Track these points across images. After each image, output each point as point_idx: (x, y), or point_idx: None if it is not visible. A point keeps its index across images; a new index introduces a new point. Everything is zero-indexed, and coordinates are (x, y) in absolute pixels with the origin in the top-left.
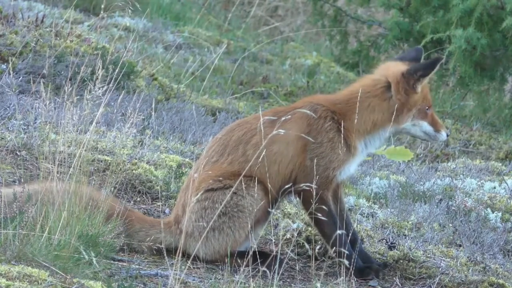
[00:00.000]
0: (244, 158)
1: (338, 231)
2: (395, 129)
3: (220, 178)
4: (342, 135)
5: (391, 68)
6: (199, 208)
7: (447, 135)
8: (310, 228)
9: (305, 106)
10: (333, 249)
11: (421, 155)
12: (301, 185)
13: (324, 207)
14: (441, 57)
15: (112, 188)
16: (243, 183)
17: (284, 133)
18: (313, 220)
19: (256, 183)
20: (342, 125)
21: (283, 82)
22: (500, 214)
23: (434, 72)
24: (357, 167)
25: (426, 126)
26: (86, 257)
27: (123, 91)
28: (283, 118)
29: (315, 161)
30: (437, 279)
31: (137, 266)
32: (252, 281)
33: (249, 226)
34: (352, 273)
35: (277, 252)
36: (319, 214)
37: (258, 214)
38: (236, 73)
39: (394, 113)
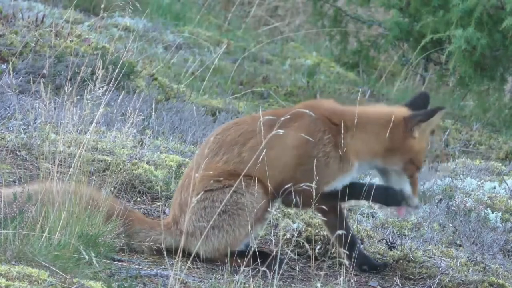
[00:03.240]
0: (239, 159)
1: (338, 231)
2: (382, 166)
3: (219, 178)
4: (338, 151)
5: (398, 109)
6: (198, 208)
7: (416, 207)
8: (310, 228)
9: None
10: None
11: None
12: (302, 185)
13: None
14: (443, 107)
15: (112, 188)
16: (243, 182)
17: (280, 140)
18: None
19: (256, 182)
20: (342, 140)
21: (283, 82)
22: (500, 214)
23: (435, 121)
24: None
25: (407, 184)
26: (86, 257)
27: (123, 91)
28: (281, 119)
29: (306, 172)
30: (437, 279)
31: (137, 266)
32: (252, 281)
33: (249, 224)
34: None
35: (277, 252)
36: (319, 214)
37: (258, 213)
38: (236, 73)
39: (388, 151)
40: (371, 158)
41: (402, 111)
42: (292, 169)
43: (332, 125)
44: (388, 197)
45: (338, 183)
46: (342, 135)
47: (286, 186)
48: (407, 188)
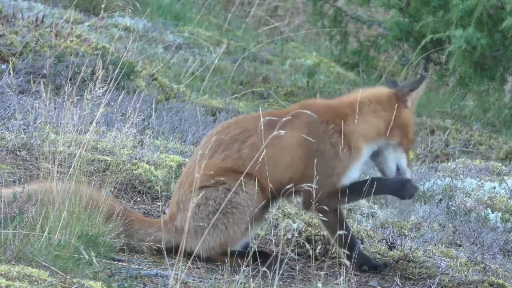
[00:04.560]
0: (238, 156)
1: (339, 232)
2: (384, 144)
3: (215, 176)
4: (344, 139)
5: (381, 88)
6: (193, 205)
7: (410, 179)
8: (310, 228)
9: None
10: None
11: (421, 155)
12: (303, 185)
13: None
14: (427, 76)
15: (112, 188)
16: (243, 182)
17: (283, 138)
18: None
19: (251, 180)
20: (344, 129)
21: (283, 82)
22: (500, 214)
23: (422, 90)
24: (360, 172)
25: (403, 159)
26: (86, 257)
27: (123, 91)
28: (282, 120)
29: (318, 169)
30: (437, 279)
31: (137, 266)
32: (252, 281)
33: (245, 223)
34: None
35: (277, 252)
36: (320, 215)
37: (254, 212)
38: (236, 73)
39: (389, 128)
40: (377, 138)
41: (385, 89)
42: (301, 168)
43: (333, 117)
44: (393, 187)
45: (354, 172)
46: (343, 123)
47: (288, 186)
48: (403, 162)
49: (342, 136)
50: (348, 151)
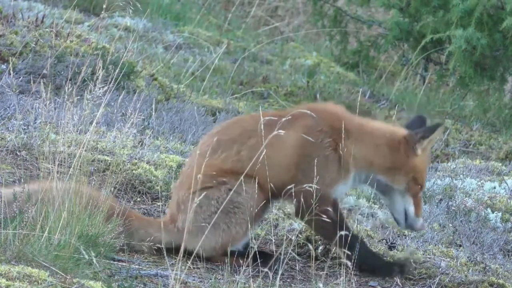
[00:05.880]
0: (237, 157)
1: (340, 232)
2: (385, 183)
3: (216, 177)
4: (338, 155)
5: (398, 128)
6: (195, 206)
7: (421, 229)
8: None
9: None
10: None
11: None
12: (304, 185)
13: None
14: (442, 123)
15: (112, 188)
16: (242, 181)
17: (281, 140)
18: (314, 225)
19: (253, 181)
20: (342, 145)
21: (283, 82)
22: (500, 214)
23: (435, 137)
24: (344, 192)
25: (410, 205)
26: (86, 257)
27: (123, 91)
28: (282, 120)
29: (306, 174)
30: (437, 279)
31: (137, 266)
32: (253, 281)
33: (247, 223)
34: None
35: (279, 253)
36: (324, 216)
37: (255, 212)
38: (236, 73)
39: (392, 169)
40: (367, 169)
41: (401, 130)
42: (293, 169)
43: (334, 129)
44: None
45: (338, 188)
46: (343, 140)
47: (288, 187)
48: (410, 209)
49: (336, 152)
50: (338, 167)
